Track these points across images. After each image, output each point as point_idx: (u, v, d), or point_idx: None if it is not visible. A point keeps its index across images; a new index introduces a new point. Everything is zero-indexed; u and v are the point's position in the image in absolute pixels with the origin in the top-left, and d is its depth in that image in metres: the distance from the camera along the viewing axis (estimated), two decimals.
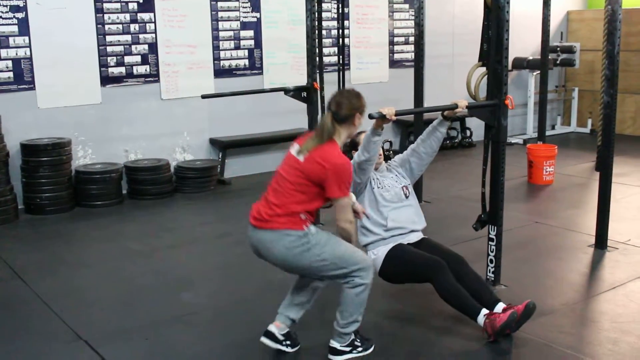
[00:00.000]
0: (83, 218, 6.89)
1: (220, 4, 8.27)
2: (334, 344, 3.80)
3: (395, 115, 4.04)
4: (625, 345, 3.93)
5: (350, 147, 4.42)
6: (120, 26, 7.58)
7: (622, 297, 4.63)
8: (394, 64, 9.87)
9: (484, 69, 4.82)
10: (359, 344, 3.83)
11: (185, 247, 5.98)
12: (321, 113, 6.77)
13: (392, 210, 4.34)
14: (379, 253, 4.31)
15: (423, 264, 4.12)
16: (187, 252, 5.83)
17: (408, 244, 4.34)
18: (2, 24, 6.93)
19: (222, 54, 8.36)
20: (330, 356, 3.81)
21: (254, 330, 4.18)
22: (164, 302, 4.73)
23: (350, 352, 3.80)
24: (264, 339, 3.87)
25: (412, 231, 4.39)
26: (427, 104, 6.89)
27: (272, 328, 3.87)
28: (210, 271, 5.42)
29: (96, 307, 4.71)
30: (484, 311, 3.94)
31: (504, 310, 3.96)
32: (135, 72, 7.76)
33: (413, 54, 7.12)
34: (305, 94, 6.51)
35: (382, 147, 4.46)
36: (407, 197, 4.44)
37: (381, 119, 4.00)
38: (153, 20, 7.79)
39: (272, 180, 3.74)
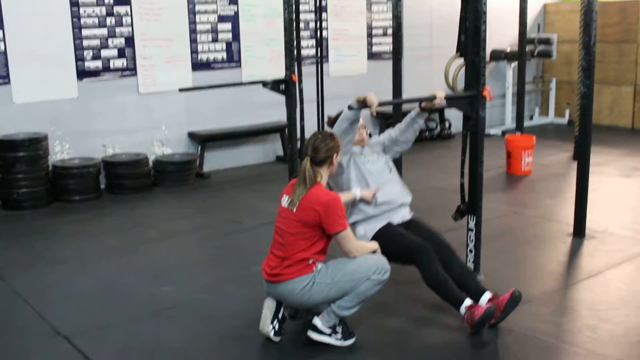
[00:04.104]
0: (61, 213, 6.84)
1: None
2: (317, 320, 3.84)
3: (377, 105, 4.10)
4: (603, 332, 3.97)
5: (332, 126, 4.48)
6: (96, 19, 7.51)
7: (600, 285, 4.68)
8: (372, 56, 9.87)
9: (461, 60, 4.83)
10: (339, 331, 3.84)
11: (165, 241, 5.95)
12: (300, 105, 6.76)
13: (379, 184, 4.38)
14: (368, 231, 4.35)
15: (408, 247, 4.15)
16: (166, 246, 5.80)
17: (399, 224, 4.36)
18: None
19: (199, 47, 8.31)
20: (310, 332, 3.85)
21: (235, 323, 4.20)
22: (144, 296, 4.70)
23: (329, 335, 3.83)
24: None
25: (401, 205, 4.43)
26: (405, 95, 6.90)
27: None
28: (189, 265, 5.40)
29: (75, 302, 4.67)
30: (467, 302, 3.95)
31: (490, 300, 3.98)
32: (112, 65, 7.69)
33: (391, 46, 7.12)
34: (284, 86, 6.51)
35: (366, 127, 4.55)
36: (390, 170, 4.51)
37: (361, 108, 4.11)
38: (129, 14, 7.73)
39: (274, 234, 3.90)
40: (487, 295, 4.03)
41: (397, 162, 6.67)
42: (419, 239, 4.19)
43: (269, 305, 3.91)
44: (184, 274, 5.16)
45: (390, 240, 4.24)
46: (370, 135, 4.64)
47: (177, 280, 5.00)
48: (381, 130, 9.79)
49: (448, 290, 4.02)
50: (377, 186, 4.38)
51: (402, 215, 4.43)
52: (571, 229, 5.67)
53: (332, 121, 4.52)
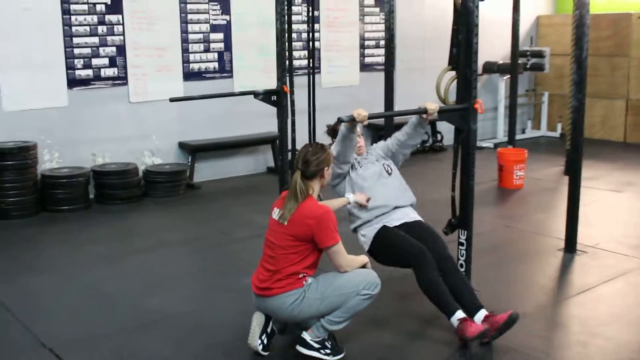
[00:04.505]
0: (49, 223, 6.78)
1: (189, 6, 8.19)
2: (306, 335, 3.80)
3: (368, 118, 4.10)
4: (594, 348, 3.94)
5: (331, 134, 4.55)
6: (87, 28, 7.48)
7: (591, 300, 4.66)
8: (364, 67, 9.87)
9: (453, 72, 4.82)
10: (328, 346, 3.80)
11: (154, 252, 5.90)
12: (291, 117, 6.73)
13: (371, 188, 4.41)
14: (367, 235, 4.38)
15: (407, 251, 4.14)
16: (155, 257, 5.75)
17: (403, 223, 4.37)
18: None
19: (191, 56, 8.28)
20: (298, 347, 3.82)
21: (224, 335, 4.15)
22: (132, 308, 4.65)
23: (317, 350, 3.78)
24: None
25: (396, 207, 4.42)
26: (397, 107, 6.89)
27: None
28: (179, 276, 5.35)
29: (62, 313, 4.62)
30: (459, 314, 3.91)
31: (485, 318, 3.93)
32: (103, 74, 7.65)
33: (384, 57, 7.10)
34: (275, 97, 6.47)
35: (362, 136, 4.60)
36: (389, 174, 4.54)
37: (351, 122, 4.08)
38: (121, 22, 7.69)
39: (264, 247, 3.85)
40: (482, 313, 3.98)
41: None
42: (419, 244, 4.17)
43: (257, 319, 3.87)
44: (173, 285, 5.11)
45: (389, 242, 4.26)
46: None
47: (166, 292, 4.95)
48: (373, 142, 9.76)
49: (442, 299, 3.99)
50: (370, 190, 4.40)
51: (400, 217, 4.42)
52: (562, 244, 5.65)
53: (331, 129, 4.54)
